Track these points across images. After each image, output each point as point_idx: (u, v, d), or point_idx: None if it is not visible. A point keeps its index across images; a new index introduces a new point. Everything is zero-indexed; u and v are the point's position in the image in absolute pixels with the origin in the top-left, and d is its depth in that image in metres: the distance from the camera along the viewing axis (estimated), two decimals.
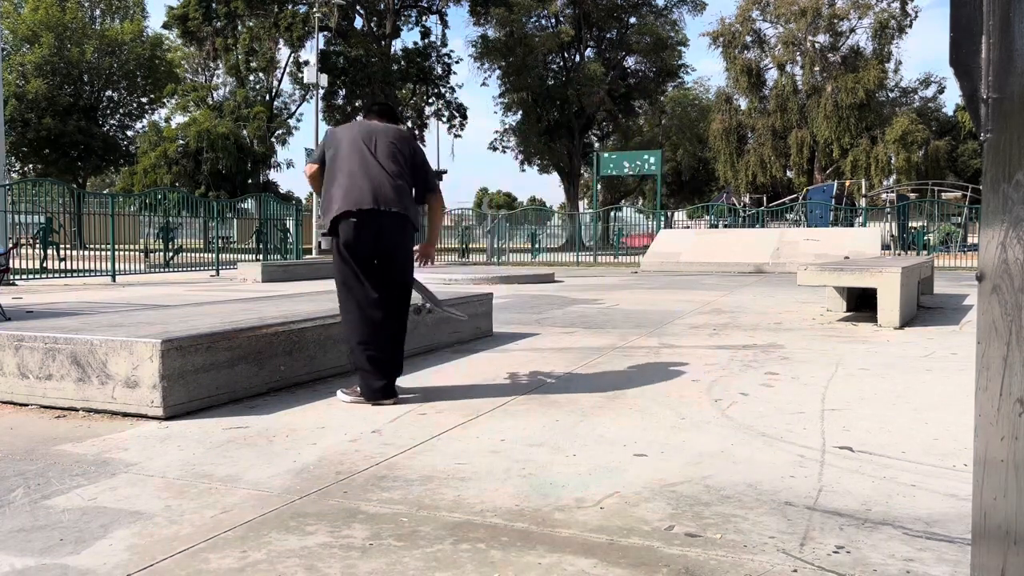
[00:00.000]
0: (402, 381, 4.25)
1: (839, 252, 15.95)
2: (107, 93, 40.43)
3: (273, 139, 41.14)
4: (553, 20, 42.19)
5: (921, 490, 2.44)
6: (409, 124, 42.34)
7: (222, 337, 3.63)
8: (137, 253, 16.82)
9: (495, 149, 46.27)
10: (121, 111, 41.57)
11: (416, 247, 3.87)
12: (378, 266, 3.62)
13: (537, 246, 25.31)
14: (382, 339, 3.62)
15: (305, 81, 36.08)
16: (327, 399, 3.79)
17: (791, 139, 37.89)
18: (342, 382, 4.19)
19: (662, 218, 25.72)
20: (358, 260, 3.58)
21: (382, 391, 3.64)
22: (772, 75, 39.61)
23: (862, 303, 7.77)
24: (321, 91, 34.28)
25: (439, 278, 11.83)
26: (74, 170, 38.46)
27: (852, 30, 37.61)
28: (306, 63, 37.38)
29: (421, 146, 3.90)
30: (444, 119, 42.97)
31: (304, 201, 48.19)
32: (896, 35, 36.98)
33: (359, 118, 4.29)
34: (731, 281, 13.40)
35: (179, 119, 41.75)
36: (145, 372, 3.34)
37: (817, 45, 37.49)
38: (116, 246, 14.59)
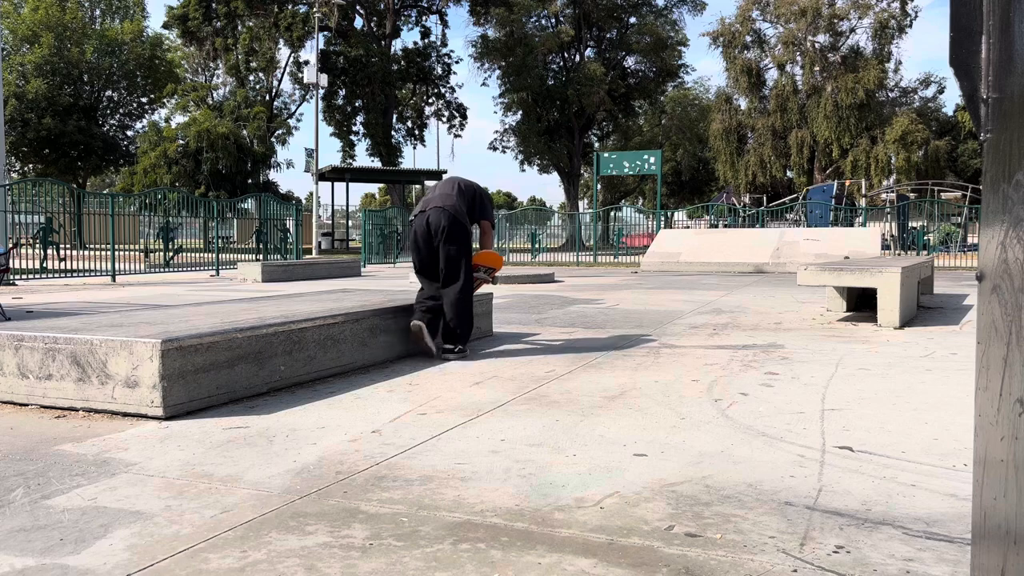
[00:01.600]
0: (398, 383, 4.26)
1: (839, 252, 15.95)
2: (107, 93, 40.43)
3: (273, 139, 41.13)
4: (553, 20, 42.21)
5: (921, 490, 2.44)
6: (409, 124, 42.39)
7: (222, 337, 3.63)
8: (137, 253, 16.81)
9: (495, 149, 46.33)
10: (121, 111, 41.58)
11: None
12: (432, 245, 5.05)
13: (537, 246, 25.31)
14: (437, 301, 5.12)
15: (305, 81, 36.09)
16: (327, 399, 3.79)
17: (791, 139, 37.88)
18: (342, 382, 4.20)
19: (662, 218, 25.69)
20: (417, 244, 5.09)
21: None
22: (772, 75, 39.62)
23: (862, 303, 7.77)
24: (321, 91, 34.29)
25: None
26: (74, 170, 38.45)
27: (852, 30, 37.62)
28: (306, 63, 37.41)
29: (484, 189, 5.41)
30: (444, 119, 43.02)
31: (304, 201, 48.23)
32: (896, 35, 36.96)
33: None
34: (731, 281, 13.40)
35: (179, 119, 41.78)
36: (145, 372, 3.34)
37: (817, 45, 37.48)
38: (116, 246, 14.60)
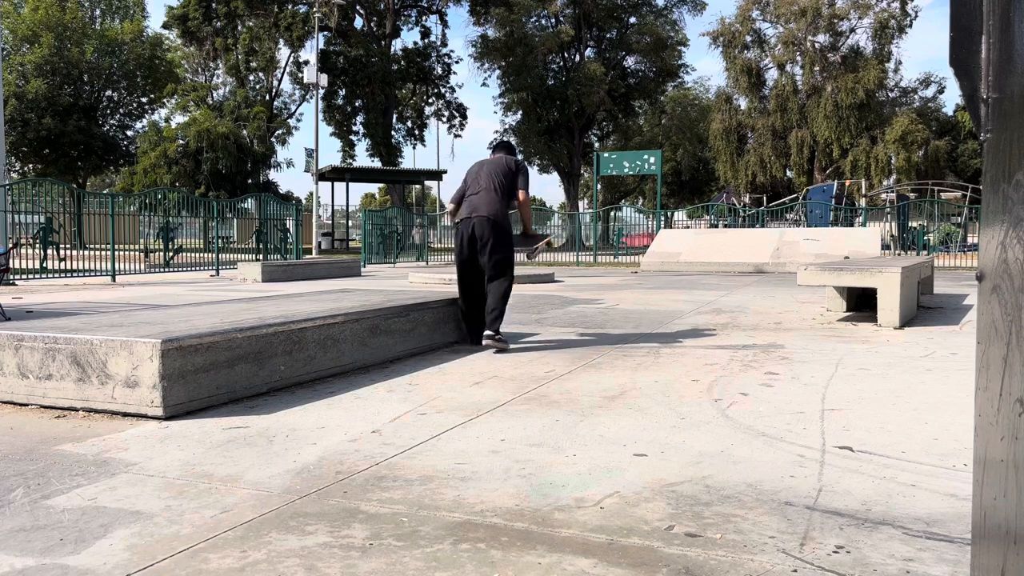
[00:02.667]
0: (398, 383, 4.26)
1: (839, 252, 15.95)
2: (107, 93, 40.42)
3: (273, 139, 41.12)
4: (553, 20, 42.18)
5: (921, 490, 2.44)
6: (409, 124, 42.40)
7: (222, 337, 3.63)
8: (137, 253, 16.81)
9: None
10: (121, 111, 41.57)
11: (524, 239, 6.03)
12: (476, 250, 5.44)
13: None
14: (473, 303, 5.56)
15: (305, 81, 36.08)
16: (327, 399, 3.79)
17: (791, 139, 37.88)
18: (342, 382, 4.20)
19: (662, 218, 25.68)
20: (462, 246, 5.47)
21: (470, 338, 5.56)
22: (772, 75, 39.64)
23: (862, 303, 7.77)
24: (321, 91, 34.28)
25: (439, 278, 11.83)
26: (74, 170, 38.45)
27: (852, 30, 37.63)
28: (306, 63, 37.40)
29: (517, 166, 5.68)
30: (444, 119, 43.02)
31: (304, 201, 48.20)
32: (896, 35, 36.97)
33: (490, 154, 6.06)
34: (731, 281, 13.39)
35: (179, 119, 41.80)
36: (145, 372, 3.34)
37: (817, 45, 37.48)
38: (116, 246, 14.60)
